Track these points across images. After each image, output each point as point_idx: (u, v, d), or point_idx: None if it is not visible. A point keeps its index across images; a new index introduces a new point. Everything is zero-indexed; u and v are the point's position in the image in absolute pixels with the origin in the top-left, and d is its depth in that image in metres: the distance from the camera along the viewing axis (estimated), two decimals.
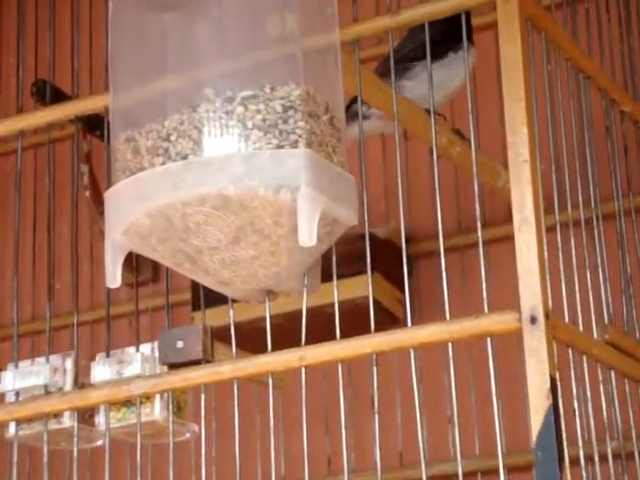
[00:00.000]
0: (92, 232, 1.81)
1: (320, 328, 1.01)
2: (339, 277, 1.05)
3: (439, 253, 1.63)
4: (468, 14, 1.23)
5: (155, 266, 1.80)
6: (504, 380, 0.97)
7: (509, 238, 1.55)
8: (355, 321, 1.06)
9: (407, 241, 1.67)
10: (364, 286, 1.58)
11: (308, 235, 0.91)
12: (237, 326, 1.04)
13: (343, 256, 1.09)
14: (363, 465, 1.55)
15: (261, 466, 1.57)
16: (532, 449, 1.47)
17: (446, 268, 1.04)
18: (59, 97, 1.55)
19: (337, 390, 0.97)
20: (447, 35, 1.18)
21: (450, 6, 1.00)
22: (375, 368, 0.96)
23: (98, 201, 1.79)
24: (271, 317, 1.03)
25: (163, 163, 0.93)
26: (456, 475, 1.51)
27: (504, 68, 0.94)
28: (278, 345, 1.01)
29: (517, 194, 0.93)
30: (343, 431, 0.97)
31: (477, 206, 0.98)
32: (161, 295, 1.83)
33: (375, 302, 1.58)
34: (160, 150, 0.94)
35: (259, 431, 1.57)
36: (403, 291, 1.68)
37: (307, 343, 0.97)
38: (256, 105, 0.93)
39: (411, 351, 0.95)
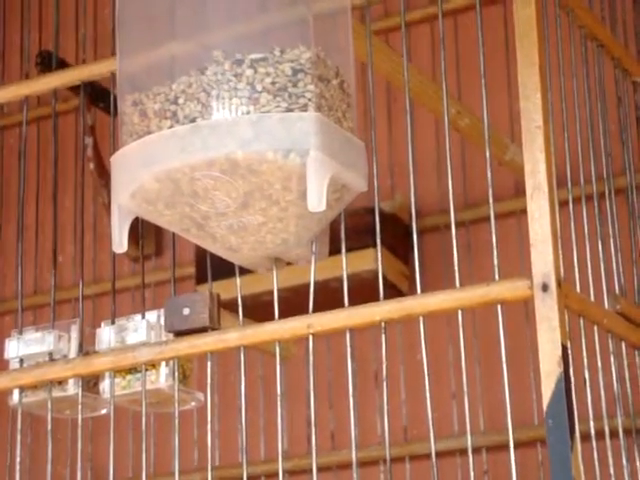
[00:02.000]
0: (96, 205, 1.80)
1: (325, 302, 1.00)
2: (348, 250, 1.04)
3: (445, 227, 1.62)
4: None
5: (158, 240, 1.79)
6: (509, 356, 0.96)
7: (515, 213, 1.56)
8: (360, 295, 1.05)
9: (411, 217, 1.67)
10: (369, 260, 1.58)
11: (317, 200, 0.90)
12: (243, 299, 1.03)
13: (349, 230, 1.08)
14: (366, 440, 1.54)
15: (264, 438, 1.56)
16: (536, 425, 1.47)
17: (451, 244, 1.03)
18: (64, 68, 1.53)
19: (340, 364, 0.96)
20: None
21: None
22: (384, 336, 0.95)
23: (102, 173, 1.78)
24: (278, 290, 1.01)
25: (171, 126, 0.92)
26: (460, 450, 1.51)
27: (518, 33, 0.92)
28: (284, 318, 1.00)
29: (530, 160, 0.91)
30: (351, 399, 0.95)
31: (489, 174, 0.96)
32: (164, 269, 1.83)
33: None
34: (168, 113, 0.92)
35: (263, 403, 1.56)
36: (408, 265, 1.67)
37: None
38: (265, 68, 0.91)
39: (420, 319, 0.94)
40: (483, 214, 1.58)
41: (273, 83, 0.91)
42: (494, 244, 0.94)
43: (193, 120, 0.91)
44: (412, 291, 1.62)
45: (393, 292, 1.58)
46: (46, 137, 1.86)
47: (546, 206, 0.90)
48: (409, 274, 1.64)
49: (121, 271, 1.78)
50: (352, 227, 1.13)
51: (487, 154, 0.97)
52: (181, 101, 0.92)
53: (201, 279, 1.65)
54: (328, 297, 1.01)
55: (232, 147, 0.90)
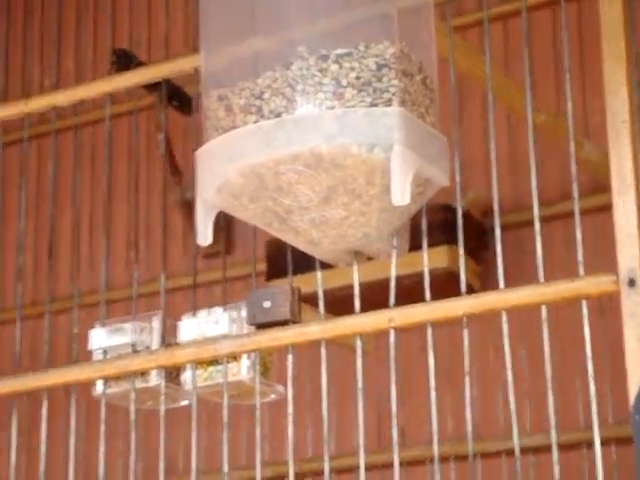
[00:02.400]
0: (167, 202, 1.82)
1: (398, 298, 1.00)
2: (418, 248, 1.05)
3: (516, 227, 1.62)
4: None
5: (228, 238, 1.81)
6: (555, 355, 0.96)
7: (589, 211, 1.55)
8: (433, 292, 1.05)
9: (485, 214, 1.67)
10: (442, 257, 1.58)
11: (401, 194, 0.90)
12: (314, 296, 1.04)
13: (422, 226, 1.08)
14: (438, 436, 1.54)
15: (336, 432, 1.57)
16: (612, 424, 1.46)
17: (528, 240, 1.03)
18: (139, 66, 1.55)
19: (409, 360, 0.96)
20: None
21: None
22: (466, 331, 0.95)
23: (174, 171, 1.80)
24: (349, 287, 1.02)
25: (256, 121, 0.93)
26: (533, 449, 1.50)
27: (604, 28, 0.92)
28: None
29: (615, 156, 0.91)
30: (433, 393, 0.95)
31: (573, 169, 0.96)
32: (235, 266, 1.85)
33: (452, 273, 1.59)
34: (253, 108, 0.94)
35: (335, 397, 1.57)
36: (479, 263, 1.67)
37: None
38: (350, 63, 0.92)
39: (503, 314, 0.94)
40: (557, 211, 1.58)
41: (358, 78, 0.92)
42: (579, 239, 0.94)
43: (278, 115, 0.92)
44: (484, 289, 1.61)
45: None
46: (118, 135, 1.89)
47: (632, 201, 0.89)
48: (480, 272, 1.64)
49: (191, 267, 1.80)
50: (426, 224, 1.13)
51: (572, 149, 0.97)
52: (266, 96, 0.93)
53: (272, 275, 1.66)
54: (400, 294, 1.02)
55: (317, 141, 0.91)
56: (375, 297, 1.06)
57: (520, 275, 1.57)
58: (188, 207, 1.78)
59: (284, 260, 1.20)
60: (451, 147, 0.97)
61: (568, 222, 1.62)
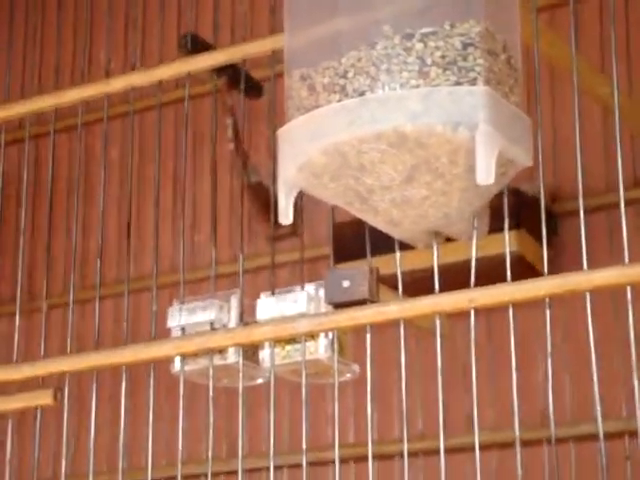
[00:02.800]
0: (232, 185, 1.83)
1: (468, 283, 1.00)
2: (490, 232, 1.04)
3: (588, 213, 1.60)
4: None
5: (294, 220, 1.81)
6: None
7: None
8: (501, 277, 1.05)
9: (553, 200, 1.66)
10: (512, 241, 1.56)
11: (486, 173, 0.90)
12: (390, 277, 1.04)
13: (492, 210, 1.08)
14: (502, 422, 1.54)
15: (422, 411, 1.57)
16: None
17: (597, 225, 1.02)
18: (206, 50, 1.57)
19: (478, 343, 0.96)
20: None
21: None
22: (548, 312, 0.95)
23: (241, 154, 1.81)
24: (425, 270, 1.02)
25: (340, 100, 0.93)
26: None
27: None
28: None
29: None
30: (514, 377, 0.95)
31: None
32: (300, 250, 1.85)
33: (520, 257, 1.58)
34: (337, 87, 0.94)
35: (419, 376, 1.57)
36: (548, 248, 1.66)
37: None
38: (435, 42, 0.92)
39: (587, 294, 0.93)
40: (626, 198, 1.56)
41: (443, 57, 0.92)
42: None
43: (362, 94, 0.93)
44: (552, 274, 1.60)
45: (533, 275, 1.56)
46: (182, 119, 1.91)
47: None
48: (549, 257, 1.62)
49: (259, 250, 1.81)
50: (494, 208, 1.13)
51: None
52: (350, 75, 0.94)
53: (339, 259, 1.66)
54: (469, 278, 1.02)
55: (401, 120, 0.91)
56: (450, 280, 1.06)
57: (590, 259, 1.56)
58: (254, 191, 1.79)
59: (351, 244, 1.20)
60: (534, 128, 0.97)
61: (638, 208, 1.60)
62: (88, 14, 1.39)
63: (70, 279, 1.21)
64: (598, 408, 0.94)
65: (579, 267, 1.54)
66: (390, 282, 1.09)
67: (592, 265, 0.91)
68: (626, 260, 0.93)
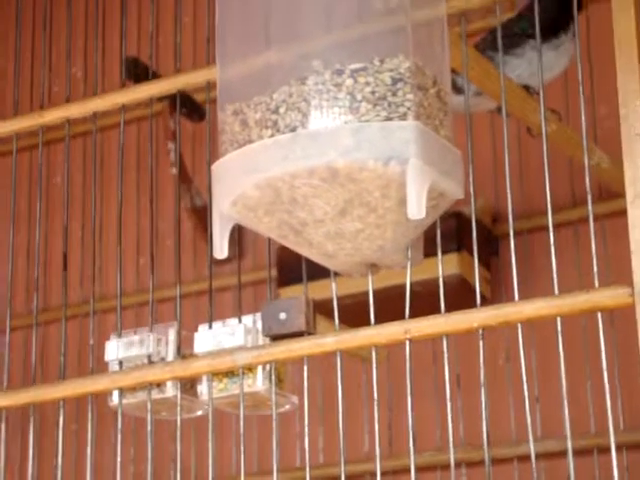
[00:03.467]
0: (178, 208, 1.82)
1: (410, 306, 1.01)
2: (428, 255, 1.06)
3: (527, 233, 1.62)
4: None
5: (239, 243, 1.81)
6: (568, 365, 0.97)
7: (597, 218, 1.56)
8: (444, 299, 1.06)
9: (495, 220, 1.68)
10: (453, 264, 1.59)
11: (417, 207, 0.91)
12: (328, 302, 1.05)
13: (433, 233, 1.09)
14: (447, 442, 1.55)
15: (368, 440, 1.58)
16: (622, 430, 1.47)
17: (538, 245, 1.03)
18: (148, 75, 1.57)
19: (419, 367, 0.97)
20: (560, 14, 1.16)
21: None
22: (481, 342, 0.96)
23: (184, 178, 1.81)
24: (361, 294, 1.03)
25: (272, 135, 0.94)
26: (543, 454, 1.51)
27: (617, 39, 0.93)
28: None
29: (629, 168, 0.92)
30: (449, 404, 0.96)
31: (587, 182, 0.97)
32: (245, 273, 1.86)
33: (462, 279, 1.59)
34: (269, 122, 0.94)
35: (365, 404, 1.58)
36: (490, 270, 1.68)
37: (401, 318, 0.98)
38: (365, 77, 0.93)
39: (518, 326, 0.95)
40: (566, 218, 1.59)
41: (373, 92, 0.93)
42: (593, 250, 0.95)
43: (294, 129, 0.93)
44: (494, 295, 1.62)
45: (475, 296, 1.58)
46: (127, 141, 1.90)
47: None
48: (491, 278, 1.64)
49: (202, 274, 1.81)
50: (435, 231, 1.14)
51: (586, 167, 0.98)
52: (282, 110, 0.94)
53: (283, 282, 1.67)
54: (413, 301, 1.03)
55: (333, 155, 0.92)
56: (389, 303, 1.07)
57: (531, 280, 1.59)
58: (198, 214, 1.79)
59: (296, 267, 1.21)
60: (464, 155, 0.98)
61: (578, 228, 1.63)
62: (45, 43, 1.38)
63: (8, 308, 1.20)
64: (568, 426, 0.95)
65: (522, 288, 1.57)
66: (340, 305, 1.10)
67: (534, 285, 0.93)
68: (556, 291, 0.94)
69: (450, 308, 1.04)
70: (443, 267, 1.53)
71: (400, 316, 0.99)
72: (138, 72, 1.63)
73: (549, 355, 1.42)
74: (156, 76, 1.50)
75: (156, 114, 1.85)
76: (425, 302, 1.03)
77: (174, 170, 1.73)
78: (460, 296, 1.45)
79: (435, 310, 1.00)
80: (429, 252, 1.05)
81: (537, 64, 1.00)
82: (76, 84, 1.99)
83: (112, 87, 1.33)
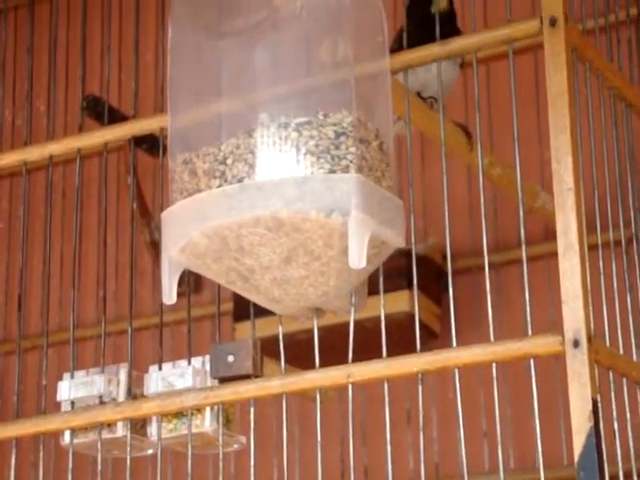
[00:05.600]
0: (137, 242, 1.85)
1: (360, 342, 1.04)
2: (378, 292, 1.09)
3: (476, 270, 1.66)
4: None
5: (197, 277, 1.84)
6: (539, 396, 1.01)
7: (544, 257, 1.60)
8: (394, 336, 1.10)
9: (444, 258, 1.72)
10: (403, 301, 1.63)
11: (358, 257, 0.95)
12: (278, 338, 1.08)
13: (383, 271, 1.12)
14: (398, 477, 1.58)
15: (300, 477, 1.61)
16: (566, 466, 1.51)
17: (484, 286, 1.07)
18: (109, 112, 1.59)
19: (374, 402, 1.00)
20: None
21: (496, 37, 1.04)
22: (420, 387, 0.99)
23: (144, 212, 1.83)
24: (312, 330, 1.06)
25: (220, 185, 0.97)
26: None
27: (550, 98, 0.97)
28: (320, 357, 1.04)
29: (561, 221, 0.96)
30: (388, 446, 1.00)
31: (522, 230, 1.01)
32: (203, 305, 1.88)
33: (412, 317, 1.63)
34: (217, 173, 0.98)
35: (298, 441, 1.61)
36: (440, 306, 1.72)
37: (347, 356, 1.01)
38: (310, 131, 0.96)
39: (455, 371, 0.98)
40: (513, 257, 1.63)
41: (317, 145, 0.96)
42: (527, 299, 0.98)
43: (241, 180, 0.96)
44: (444, 332, 1.66)
45: (426, 333, 1.62)
46: (88, 174, 1.93)
47: (577, 265, 0.94)
48: (441, 315, 1.68)
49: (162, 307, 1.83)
50: (386, 269, 1.18)
51: (520, 211, 1.02)
52: (229, 162, 0.97)
53: (239, 317, 1.70)
54: (362, 337, 1.06)
55: (277, 206, 0.95)
56: (339, 339, 1.10)
57: (480, 316, 1.62)
58: (157, 247, 1.81)
59: (251, 301, 1.23)
60: (407, 200, 1.01)
61: (522, 269, 1.66)
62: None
63: None
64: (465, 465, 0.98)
65: (472, 325, 1.60)
66: (290, 341, 1.13)
67: (483, 322, 0.96)
68: (491, 338, 0.98)
69: (400, 344, 1.07)
70: (394, 304, 1.57)
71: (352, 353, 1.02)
72: (99, 110, 1.66)
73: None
74: (117, 114, 1.53)
75: (117, 148, 1.88)
76: (375, 337, 1.06)
77: (133, 204, 1.75)
78: (410, 332, 1.48)
79: (390, 346, 1.02)
80: (379, 290, 1.08)
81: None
82: (39, 118, 2.02)
83: (74, 122, 1.36)
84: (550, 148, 0.95)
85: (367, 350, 1.03)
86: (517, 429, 1.52)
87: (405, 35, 1.09)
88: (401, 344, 1.10)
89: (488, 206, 1.65)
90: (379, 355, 1.01)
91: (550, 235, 1.61)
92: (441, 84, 1.06)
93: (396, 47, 1.10)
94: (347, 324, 1.05)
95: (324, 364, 1.03)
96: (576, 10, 1.12)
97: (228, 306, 1.73)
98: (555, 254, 1.56)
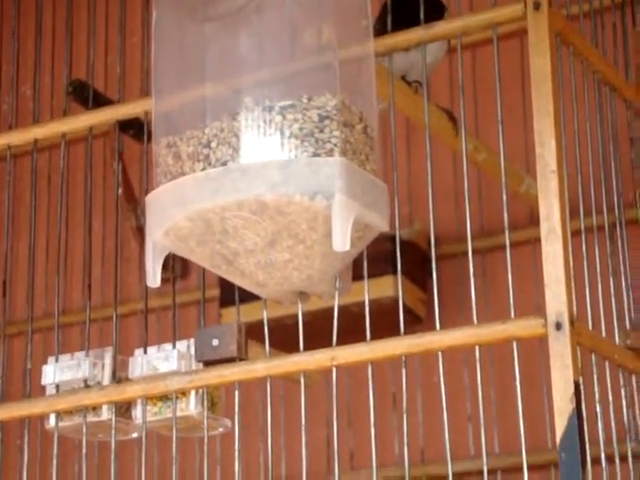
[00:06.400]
0: (123, 229, 1.85)
1: (346, 326, 1.05)
2: (363, 278, 1.09)
3: (461, 255, 1.67)
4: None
5: (184, 262, 1.84)
6: (523, 379, 1.01)
7: (530, 242, 1.61)
8: (380, 320, 1.10)
9: (429, 243, 1.72)
10: (388, 286, 1.63)
11: (342, 240, 0.95)
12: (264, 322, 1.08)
13: (368, 256, 1.13)
14: (384, 460, 1.59)
15: (285, 460, 1.61)
16: (550, 449, 1.52)
17: (469, 271, 1.07)
18: (95, 97, 1.59)
19: (359, 386, 1.00)
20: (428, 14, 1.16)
21: (480, 20, 1.04)
22: (404, 370, 1.00)
23: (130, 198, 1.83)
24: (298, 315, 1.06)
25: (203, 169, 0.97)
26: (475, 472, 1.55)
27: (534, 82, 0.97)
28: (306, 342, 1.05)
29: (544, 204, 0.96)
30: (372, 430, 1.00)
31: (505, 215, 1.01)
32: (189, 291, 1.89)
33: (398, 301, 1.63)
34: (201, 156, 0.98)
35: (283, 424, 1.61)
36: (425, 291, 1.72)
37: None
38: (294, 114, 0.96)
39: (439, 354, 0.99)
40: (499, 242, 1.63)
41: (301, 129, 0.96)
42: (510, 282, 0.99)
43: (224, 163, 0.96)
44: (429, 316, 1.66)
45: (411, 317, 1.62)
46: (74, 159, 1.92)
47: (560, 249, 0.94)
48: (426, 299, 1.69)
49: (149, 292, 1.83)
50: (371, 254, 1.18)
51: (504, 195, 1.02)
52: (213, 145, 0.97)
53: (225, 302, 1.70)
54: (349, 321, 1.06)
55: (261, 190, 0.95)
56: (323, 324, 1.10)
57: (465, 301, 1.62)
58: (143, 233, 1.81)
59: (238, 287, 1.23)
60: (391, 184, 1.02)
61: (511, 251, 1.67)
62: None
63: None
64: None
65: (457, 309, 1.61)
66: (276, 325, 1.13)
67: (468, 308, 0.97)
68: (474, 320, 0.98)
69: (385, 329, 1.08)
70: (379, 289, 1.58)
71: (338, 338, 1.02)
72: (85, 95, 1.65)
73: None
74: (102, 98, 1.52)
75: (103, 134, 1.87)
76: (361, 322, 1.06)
77: (120, 190, 1.75)
78: (395, 317, 1.49)
79: (376, 331, 1.03)
80: (363, 274, 1.08)
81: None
82: (25, 102, 2.01)
83: (60, 106, 1.35)
84: (533, 133, 0.95)
85: (353, 335, 1.04)
86: (501, 412, 1.53)
87: (389, 17, 1.09)
88: (386, 329, 1.11)
89: (473, 191, 1.66)
90: (364, 339, 1.02)
91: (535, 220, 1.61)
92: (426, 67, 1.06)
93: (379, 27, 1.10)
94: (331, 309, 1.05)
95: (310, 349, 1.04)
96: None
97: (215, 292, 1.73)
98: (540, 239, 1.57)
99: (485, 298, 1.55)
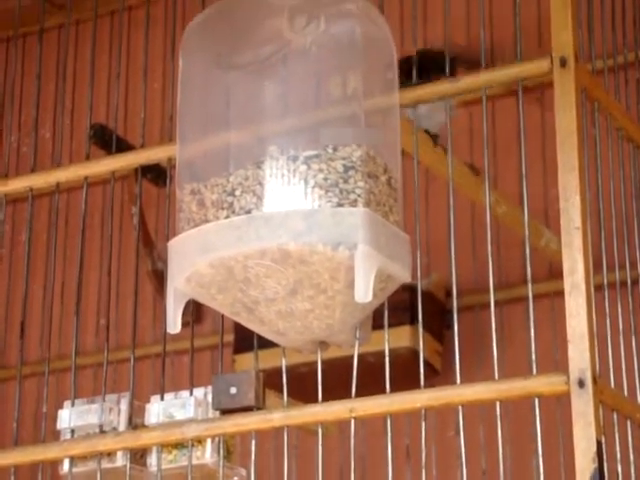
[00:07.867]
0: (139, 272, 1.84)
1: (362, 376, 1.04)
2: (381, 327, 1.08)
3: (479, 308, 1.66)
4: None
5: (198, 307, 1.83)
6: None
7: (548, 296, 1.60)
8: (396, 371, 1.09)
9: (447, 294, 1.72)
10: (406, 337, 1.62)
11: (364, 291, 0.94)
12: (280, 371, 1.07)
13: (388, 305, 1.12)
14: None
15: None
16: None
17: (486, 323, 1.07)
18: (117, 142, 1.60)
19: (374, 437, 0.99)
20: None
21: (506, 75, 1.04)
22: (423, 423, 0.99)
23: (147, 241, 1.83)
24: (314, 363, 1.05)
25: (227, 216, 0.97)
26: None
27: (559, 137, 0.97)
28: (321, 390, 1.04)
29: (568, 260, 0.96)
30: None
31: (528, 270, 1.01)
32: (203, 336, 1.88)
33: (414, 352, 1.62)
34: (225, 204, 0.98)
35: (295, 474, 1.59)
36: (442, 343, 1.71)
37: (350, 389, 1.00)
38: (318, 164, 0.97)
39: (458, 408, 0.98)
40: (516, 295, 1.63)
41: (325, 179, 0.96)
42: (532, 338, 0.98)
43: (248, 211, 0.96)
44: (445, 368, 1.65)
45: (427, 369, 1.61)
46: (92, 202, 1.93)
47: (583, 304, 0.94)
48: (442, 351, 1.68)
49: (160, 336, 1.82)
50: (389, 304, 1.18)
51: (527, 251, 1.02)
52: (238, 193, 0.98)
53: (239, 349, 1.69)
54: (364, 371, 1.06)
55: (284, 238, 0.95)
56: (342, 373, 1.09)
57: (482, 353, 1.62)
58: (159, 277, 1.81)
59: (252, 334, 1.23)
60: (412, 235, 1.01)
61: (525, 307, 1.66)
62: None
63: None
64: None
65: (474, 362, 1.59)
66: (292, 373, 1.12)
67: (484, 360, 0.96)
68: (496, 376, 0.97)
69: (401, 379, 1.06)
70: (396, 339, 1.57)
71: (351, 386, 1.01)
72: (105, 139, 1.67)
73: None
74: (123, 143, 1.53)
75: (121, 177, 1.88)
76: (377, 372, 1.05)
77: (136, 233, 1.75)
78: (411, 367, 1.48)
79: (392, 381, 1.02)
80: (382, 324, 1.08)
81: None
82: (44, 144, 2.03)
83: (80, 149, 1.35)
84: (556, 186, 0.95)
85: (369, 384, 1.03)
86: (516, 468, 1.51)
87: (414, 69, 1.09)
88: (402, 379, 1.10)
89: (491, 244, 1.66)
90: (379, 389, 1.01)
91: (554, 274, 1.61)
92: (451, 120, 1.06)
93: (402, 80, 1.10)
94: (348, 358, 1.04)
95: (324, 398, 1.03)
96: (585, 50, 1.12)
97: (228, 337, 1.73)
98: (559, 293, 1.56)
99: (501, 352, 1.54)
